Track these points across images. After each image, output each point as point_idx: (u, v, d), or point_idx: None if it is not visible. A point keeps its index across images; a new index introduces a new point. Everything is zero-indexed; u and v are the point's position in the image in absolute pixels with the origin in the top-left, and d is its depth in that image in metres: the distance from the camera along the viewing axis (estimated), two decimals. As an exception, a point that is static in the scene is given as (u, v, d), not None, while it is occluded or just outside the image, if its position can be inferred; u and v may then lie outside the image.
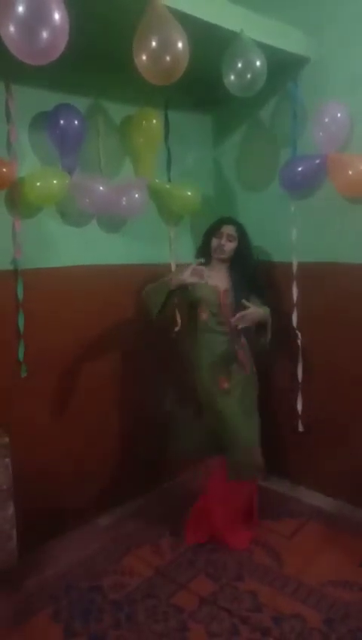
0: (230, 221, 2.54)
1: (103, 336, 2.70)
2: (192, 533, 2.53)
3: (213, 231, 2.52)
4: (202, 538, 2.50)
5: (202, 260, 2.42)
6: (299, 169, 2.61)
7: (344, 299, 2.60)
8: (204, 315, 2.44)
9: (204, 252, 2.54)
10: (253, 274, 2.54)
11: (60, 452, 2.55)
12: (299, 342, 2.79)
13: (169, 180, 2.90)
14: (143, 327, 2.82)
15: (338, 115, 2.45)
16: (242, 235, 2.52)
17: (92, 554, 2.45)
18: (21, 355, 2.38)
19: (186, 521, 2.56)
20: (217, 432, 2.44)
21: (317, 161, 2.54)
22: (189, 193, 2.85)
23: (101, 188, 2.44)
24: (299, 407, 2.83)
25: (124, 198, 2.53)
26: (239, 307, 2.34)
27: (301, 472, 2.92)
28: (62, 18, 1.51)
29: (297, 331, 2.79)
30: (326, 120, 2.47)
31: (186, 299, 2.49)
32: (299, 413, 2.83)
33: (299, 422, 2.85)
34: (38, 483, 2.39)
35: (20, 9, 1.46)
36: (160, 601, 2.12)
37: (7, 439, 2.11)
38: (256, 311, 2.33)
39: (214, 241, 2.50)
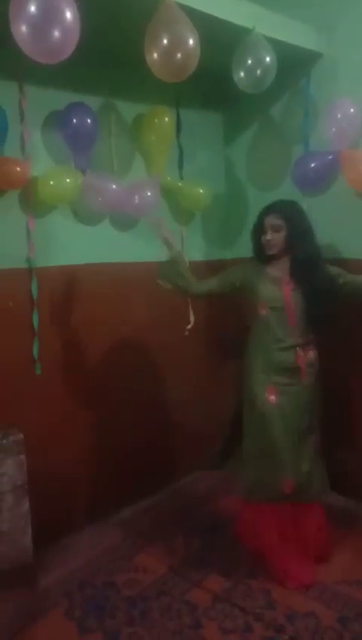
0: (271, 209, 2.18)
1: (116, 334, 2.71)
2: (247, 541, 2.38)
3: (258, 227, 2.21)
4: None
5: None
6: (312, 165, 2.59)
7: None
8: (263, 311, 2.17)
9: (260, 253, 2.22)
10: (312, 262, 2.15)
11: (74, 449, 2.56)
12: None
13: (181, 178, 2.90)
14: (156, 325, 2.83)
15: (351, 110, 2.42)
16: (289, 218, 2.14)
17: (106, 551, 2.46)
18: (35, 353, 2.40)
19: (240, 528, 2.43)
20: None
21: (330, 158, 2.52)
22: (201, 191, 2.85)
23: (113, 186, 2.45)
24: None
25: (137, 197, 2.53)
26: (306, 306, 2.13)
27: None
28: (73, 17, 1.52)
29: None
30: (339, 116, 2.44)
31: (247, 293, 2.24)
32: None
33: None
34: (52, 479, 2.41)
35: (32, 9, 1.48)
36: (173, 598, 2.13)
37: (21, 436, 2.13)
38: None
39: (262, 238, 2.18)
